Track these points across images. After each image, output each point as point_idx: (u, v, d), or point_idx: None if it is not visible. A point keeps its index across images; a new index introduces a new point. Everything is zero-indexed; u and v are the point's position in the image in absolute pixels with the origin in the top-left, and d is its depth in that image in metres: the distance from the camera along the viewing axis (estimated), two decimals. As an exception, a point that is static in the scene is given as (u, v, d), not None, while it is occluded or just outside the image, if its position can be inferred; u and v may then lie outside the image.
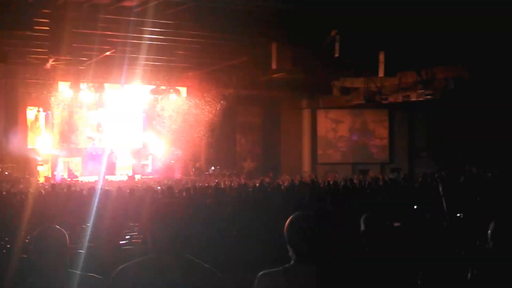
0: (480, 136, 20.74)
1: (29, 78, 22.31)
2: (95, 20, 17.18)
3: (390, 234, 3.71)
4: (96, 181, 20.94)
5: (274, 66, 19.86)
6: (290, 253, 3.17)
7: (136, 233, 8.81)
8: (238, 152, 25.22)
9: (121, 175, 23.81)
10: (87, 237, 8.23)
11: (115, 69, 22.70)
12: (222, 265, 3.78)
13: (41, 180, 22.02)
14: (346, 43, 18.29)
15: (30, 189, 15.02)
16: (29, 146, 23.27)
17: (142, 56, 21.11)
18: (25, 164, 22.20)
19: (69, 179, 22.38)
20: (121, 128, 25.99)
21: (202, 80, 23.82)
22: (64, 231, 3.43)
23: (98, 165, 24.02)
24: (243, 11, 16.46)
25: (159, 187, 15.81)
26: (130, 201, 11.54)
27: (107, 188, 14.27)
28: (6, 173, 21.38)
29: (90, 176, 23.15)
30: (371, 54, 19.61)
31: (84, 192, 12.77)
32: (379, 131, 26.39)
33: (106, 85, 24.01)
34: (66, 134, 24.48)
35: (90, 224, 9.27)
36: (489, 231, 3.61)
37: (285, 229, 3.21)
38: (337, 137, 26.68)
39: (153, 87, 24.83)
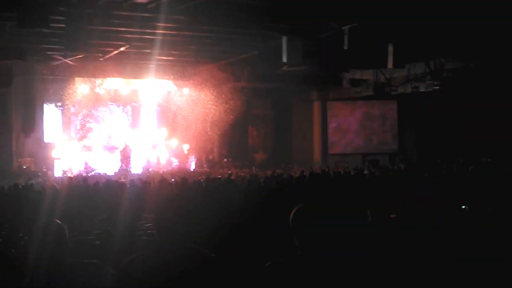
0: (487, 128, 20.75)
1: (46, 74, 22.74)
2: (110, 16, 17.49)
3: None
4: (111, 174, 21.37)
5: (284, 59, 20.00)
6: (297, 243, 3.23)
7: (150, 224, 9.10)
8: (250, 144, 25.49)
9: (136, 168, 24.16)
10: (102, 229, 8.64)
11: (130, 64, 23.09)
12: (230, 255, 3.95)
13: (58, 173, 22.45)
14: (355, 35, 18.41)
15: (47, 183, 15.36)
16: (46, 141, 23.72)
17: (156, 51, 21.44)
18: (43, 158, 22.64)
19: (85, 173, 22.77)
20: (137, 122, 26.39)
21: (214, 74, 24.06)
22: (63, 225, 3.51)
23: (113, 158, 24.48)
24: (253, 5, 16.70)
25: (173, 179, 16.18)
26: (144, 193, 11.85)
27: (122, 180, 14.68)
28: (24, 167, 21.85)
29: (106, 169, 23.54)
30: (380, 45, 19.67)
31: (100, 185, 13.11)
32: (389, 122, 26.50)
33: (120, 80, 24.39)
34: (82, 129, 24.91)
35: (105, 216, 9.67)
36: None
37: (290, 220, 3.25)
38: (347, 128, 26.84)
39: (166, 81, 25.18)
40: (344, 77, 24.95)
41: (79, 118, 24.89)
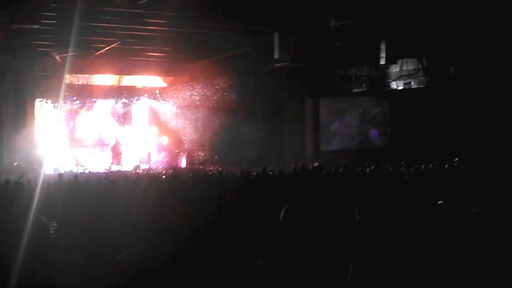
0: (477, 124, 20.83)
1: (37, 71, 22.66)
2: (101, 13, 17.45)
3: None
4: (103, 171, 21.33)
5: (276, 55, 19.99)
6: (287, 241, 3.25)
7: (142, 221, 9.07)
8: (241, 141, 25.47)
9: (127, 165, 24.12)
10: (93, 226, 8.61)
11: (121, 61, 23.05)
12: (222, 252, 3.94)
13: (49, 170, 22.36)
14: (348, 32, 18.43)
15: (37, 180, 15.29)
16: (37, 138, 23.64)
17: (147, 47, 21.41)
18: (34, 155, 22.56)
19: (75, 169, 22.71)
20: (128, 118, 26.34)
21: (205, 70, 24.03)
22: (47, 221, 3.52)
23: (104, 155, 24.44)
24: (245, 1, 16.69)
25: (163, 176, 16.15)
26: (135, 189, 11.82)
27: (113, 178, 14.64)
28: (15, 164, 21.76)
29: (97, 166, 23.49)
30: (373, 41, 19.70)
31: (91, 182, 13.08)
32: (381, 119, 26.53)
33: (112, 76, 24.34)
34: (74, 125, 24.84)
35: (95, 213, 9.64)
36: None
37: (281, 218, 3.28)
38: (339, 125, 26.86)
39: (157, 77, 25.17)
40: (337, 73, 24.97)
41: (70, 114, 24.80)
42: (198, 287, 3.19)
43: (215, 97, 24.66)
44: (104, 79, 24.37)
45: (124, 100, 26.01)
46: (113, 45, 20.61)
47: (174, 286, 3.16)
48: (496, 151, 18.78)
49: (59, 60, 21.57)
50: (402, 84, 22.86)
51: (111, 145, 24.50)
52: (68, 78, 23.34)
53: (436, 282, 4.12)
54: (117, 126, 25.91)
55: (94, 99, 25.08)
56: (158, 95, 26.04)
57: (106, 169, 22.51)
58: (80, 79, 23.76)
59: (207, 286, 3.20)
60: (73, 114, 24.89)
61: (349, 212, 5.50)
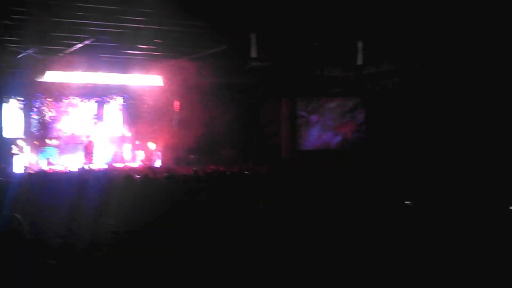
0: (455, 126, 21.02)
1: (7, 67, 22.20)
2: (75, 9, 17.13)
3: None
4: (74, 170, 20.96)
5: (253, 54, 19.94)
6: (263, 239, 3.22)
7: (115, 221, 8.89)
8: (217, 140, 25.31)
9: (99, 164, 23.80)
10: (63, 226, 8.34)
11: (94, 58, 22.72)
12: (198, 251, 3.80)
13: (18, 169, 21.95)
14: (325, 32, 18.45)
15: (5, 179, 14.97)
16: (6, 136, 23.18)
17: (121, 44, 21.12)
18: (2, 154, 22.12)
19: (46, 168, 22.32)
20: (101, 117, 25.98)
21: (181, 68, 23.85)
22: (22, 220, 3.41)
23: (76, 153, 24.08)
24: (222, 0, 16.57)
25: (138, 176, 15.89)
26: (108, 189, 11.61)
27: (85, 176, 14.36)
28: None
29: (68, 164, 23.13)
30: (349, 42, 19.77)
31: (61, 180, 12.81)
32: (357, 119, 26.59)
33: (85, 74, 23.97)
34: (45, 123, 24.41)
35: (67, 213, 9.37)
36: None
37: (256, 217, 3.29)
38: (315, 125, 26.85)
39: (132, 75, 24.87)
40: (313, 73, 24.96)
41: (41, 112, 24.37)
42: (171, 283, 3.11)
43: (191, 96, 24.43)
44: (76, 76, 23.96)
45: (97, 98, 25.64)
46: (86, 42, 20.27)
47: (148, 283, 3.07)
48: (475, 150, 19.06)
49: (30, 56, 21.18)
50: (378, 85, 22.96)
51: (84, 144, 24.13)
52: (38, 76, 22.93)
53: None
54: (90, 124, 25.52)
55: (66, 97, 24.65)
56: (132, 93, 25.72)
57: (78, 168, 22.13)
58: (52, 76, 23.31)
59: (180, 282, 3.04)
60: (43, 112, 24.44)
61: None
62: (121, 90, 25.81)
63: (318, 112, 26.87)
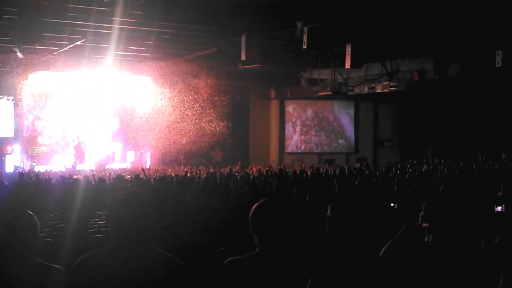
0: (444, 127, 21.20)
1: (-3, 67, 22.22)
2: (65, 9, 17.14)
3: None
4: (66, 170, 21.00)
5: (243, 57, 19.98)
6: (256, 240, 3.20)
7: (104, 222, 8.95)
8: (207, 142, 25.38)
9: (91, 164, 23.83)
10: (54, 226, 8.44)
11: (85, 59, 22.72)
12: (187, 253, 3.84)
13: (10, 169, 21.96)
14: (314, 35, 18.49)
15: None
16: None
17: (112, 45, 21.12)
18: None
19: (37, 168, 22.34)
20: (91, 117, 25.98)
21: (172, 70, 23.91)
22: (35, 218, 3.41)
23: (67, 153, 24.08)
24: (212, 1, 16.61)
25: (129, 176, 15.98)
26: (99, 189, 11.68)
27: (75, 176, 14.42)
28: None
29: (60, 164, 23.15)
30: (338, 45, 19.82)
31: (52, 181, 12.87)
32: (345, 122, 26.75)
33: (75, 74, 23.99)
34: (35, 123, 24.40)
35: (57, 213, 9.46)
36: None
37: (250, 217, 3.22)
38: (304, 127, 26.99)
39: (123, 76, 24.89)
40: (302, 76, 25.08)
41: (32, 112, 24.36)
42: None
43: (182, 97, 24.53)
44: (68, 76, 23.98)
45: (88, 98, 25.64)
46: (77, 43, 20.28)
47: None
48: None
49: (21, 56, 21.15)
50: (366, 88, 23.09)
51: (74, 144, 24.13)
52: (29, 75, 22.94)
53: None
54: (81, 125, 25.52)
55: (58, 97, 24.65)
56: (124, 94, 25.76)
57: (68, 168, 22.16)
58: (42, 76, 23.34)
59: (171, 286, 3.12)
60: (35, 112, 24.42)
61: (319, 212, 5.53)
62: (112, 91, 25.83)
63: (306, 114, 27.02)
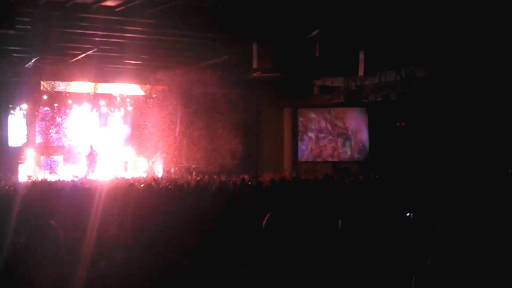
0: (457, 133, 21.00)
1: (11, 77, 22.28)
2: (77, 19, 17.23)
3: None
4: (77, 179, 21.00)
5: (255, 65, 19.96)
6: (269, 248, 3.24)
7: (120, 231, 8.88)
8: (219, 150, 25.33)
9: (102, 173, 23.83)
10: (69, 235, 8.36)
11: (97, 68, 22.81)
12: (202, 262, 3.77)
13: (23, 178, 21.99)
14: (326, 42, 18.45)
15: (11, 187, 15.02)
16: (11, 145, 23.23)
17: (124, 55, 21.20)
18: (7, 163, 22.17)
19: (50, 177, 22.34)
20: (104, 126, 26.04)
21: (183, 79, 23.93)
22: (57, 227, 3.41)
23: (79, 163, 24.12)
24: (223, 10, 16.61)
25: (142, 185, 15.90)
26: (112, 198, 11.60)
27: (87, 186, 14.38)
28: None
29: (71, 174, 23.17)
30: (351, 53, 19.75)
31: (65, 190, 12.82)
32: (359, 130, 26.59)
33: (88, 84, 24.07)
34: (48, 133, 24.49)
35: (70, 222, 9.38)
36: None
37: (263, 226, 3.27)
38: (317, 135, 26.85)
39: (135, 85, 24.94)
40: (315, 84, 25.00)
41: (45, 122, 24.46)
42: None
43: (193, 106, 24.53)
44: (80, 86, 24.07)
45: (100, 108, 25.72)
46: (89, 52, 20.35)
47: None
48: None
49: (34, 66, 21.25)
50: (380, 96, 22.95)
51: (86, 153, 24.17)
52: (43, 85, 23.03)
53: None
54: (93, 134, 25.58)
55: (70, 107, 24.74)
56: (135, 103, 25.81)
57: (80, 177, 22.16)
58: (56, 86, 23.42)
59: None
60: (48, 121, 24.52)
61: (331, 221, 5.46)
62: (123, 100, 25.90)
63: (320, 122, 26.90)
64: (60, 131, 24.79)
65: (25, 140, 23.75)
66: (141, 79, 24.70)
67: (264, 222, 3.27)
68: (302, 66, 21.45)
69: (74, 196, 11.87)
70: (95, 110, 25.69)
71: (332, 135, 26.81)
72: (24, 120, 23.88)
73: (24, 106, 23.57)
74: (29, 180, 20.37)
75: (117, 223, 9.52)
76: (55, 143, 24.59)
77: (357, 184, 14.90)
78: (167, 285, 3.07)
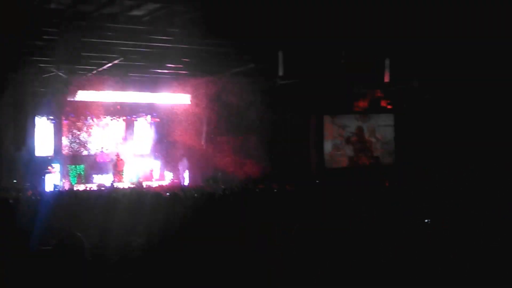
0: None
1: (38, 87, 22.53)
2: (104, 29, 17.36)
3: None
4: (103, 188, 21.13)
5: (281, 72, 19.93)
6: (299, 258, 3.16)
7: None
8: (245, 158, 25.29)
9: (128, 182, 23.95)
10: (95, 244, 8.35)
11: (124, 77, 22.97)
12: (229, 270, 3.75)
13: (49, 187, 22.17)
14: (353, 50, 18.39)
15: (37, 197, 15.10)
16: (38, 154, 23.44)
17: (150, 64, 21.31)
18: (34, 172, 22.36)
19: (77, 186, 22.52)
20: (130, 135, 26.19)
21: (209, 87, 23.99)
22: (83, 238, 3.39)
23: (106, 172, 24.26)
24: (249, 18, 16.60)
25: (167, 193, 15.90)
26: (138, 207, 11.60)
27: (114, 194, 14.40)
28: (15, 181, 21.54)
29: (98, 182, 23.32)
30: (377, 60, 19.66)
31: (91, 199, 12.86)
32: (385, 136, 26.40)
33: (114, 93, 24.22)
34: (75, 142, 24.71)
35: (97, 231, 9.38)
36: None
37: (291, 237, 3.21)
38: (343, 142, 26.69)
39: (163, 93, 25.03)
40: (341, 90, 24.86)
41: (72, 131, 24.69)
42: None
43: (219, 114, 24.55)
44: (106, 95, 24.24)
45: (126, 117, 25.88)
46: (115, 62, 20.49)
47: None
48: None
49: (60, 76, 21.47)
50: (406, 103, 22.80)
51: (113, 162, 24.32)
52: (69, 95, 23.23)
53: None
54: (119, 143, 25.74)
55: (96, 116, 24.93)
56: (161, 112, 25.94)
57: (106, 187, 22.29)
58: (82, 95, 23.61)
59: None
60: (74, 131, 24.75)
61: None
62: (150, 109, 26.05)
63: (346, 129, 26.75)
64: (87, 140, 25.00)
65: (52, 150, 23.95)
66: (167, 88, 24.79)
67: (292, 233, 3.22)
68: (328, 73, 21.39)
69: (101, 205, 11.90)
70: (121, 119, 25.85)
71: (358, 142, 26.63)
72: (52, 130, 24.09)
73: (51, 116, 23.77)
74: (56, 190, 20.53)
75: (146, 232, 9.53)
76: (82, 152, 24.78)
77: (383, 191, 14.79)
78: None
